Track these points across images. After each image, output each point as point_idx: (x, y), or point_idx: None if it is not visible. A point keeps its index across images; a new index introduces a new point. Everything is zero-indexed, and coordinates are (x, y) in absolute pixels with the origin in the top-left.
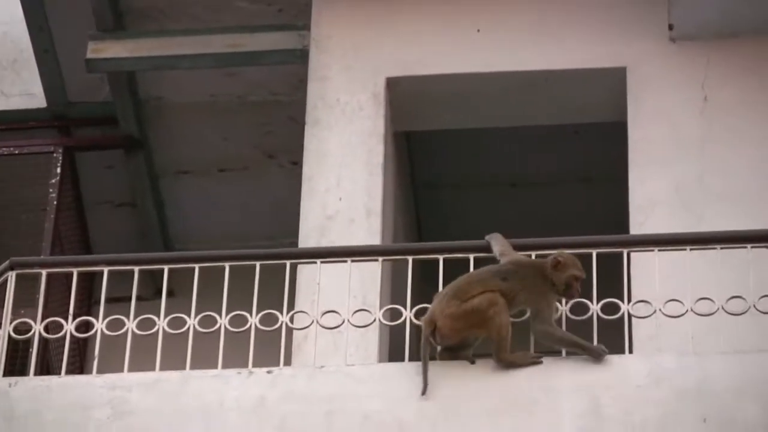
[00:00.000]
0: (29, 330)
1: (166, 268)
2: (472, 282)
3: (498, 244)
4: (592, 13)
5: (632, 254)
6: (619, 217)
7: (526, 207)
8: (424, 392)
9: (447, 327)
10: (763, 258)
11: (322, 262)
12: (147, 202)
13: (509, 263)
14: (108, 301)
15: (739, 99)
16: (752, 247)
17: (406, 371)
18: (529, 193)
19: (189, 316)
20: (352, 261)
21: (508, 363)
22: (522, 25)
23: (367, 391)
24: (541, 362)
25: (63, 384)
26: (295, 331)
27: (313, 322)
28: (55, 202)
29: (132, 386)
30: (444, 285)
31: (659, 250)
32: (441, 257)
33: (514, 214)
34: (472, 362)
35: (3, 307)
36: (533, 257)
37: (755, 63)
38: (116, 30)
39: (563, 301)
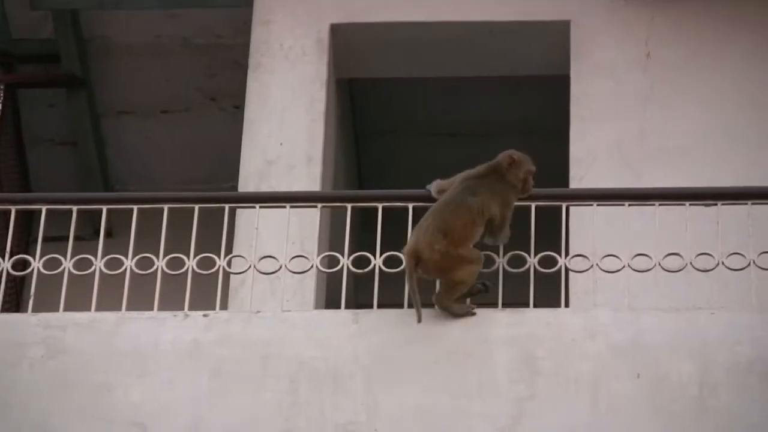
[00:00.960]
0: None
1: (104, 208)
2: (455, 209)
3: (437, 186)
4: None
5: (571, 208)
6: (559, 171)
7: (467, 157)
8: (419, 320)
9: (433, 262)
10: (701, 216)
11: (260, 207)
12: (88, 142)
13: (469, 178)
14: (46, 240)
15: (682, 57)
16: (690, 205)
17: (343, 318)
18: (470, 144)
19: (126, 257)
20: (291, 207)
21: (446, 307)
22: None
23: (302, 338)
24: (474, 313)
25: None
26: (232, 276)
27: (250, 266)
28: None
29: (67, 326)
30: (383, 234)
31: (598, 205)
32: (380, 205)
33: (455, 163)
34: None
35: None
36: None
37: (699, 21)
38: None
39: (500, 253)
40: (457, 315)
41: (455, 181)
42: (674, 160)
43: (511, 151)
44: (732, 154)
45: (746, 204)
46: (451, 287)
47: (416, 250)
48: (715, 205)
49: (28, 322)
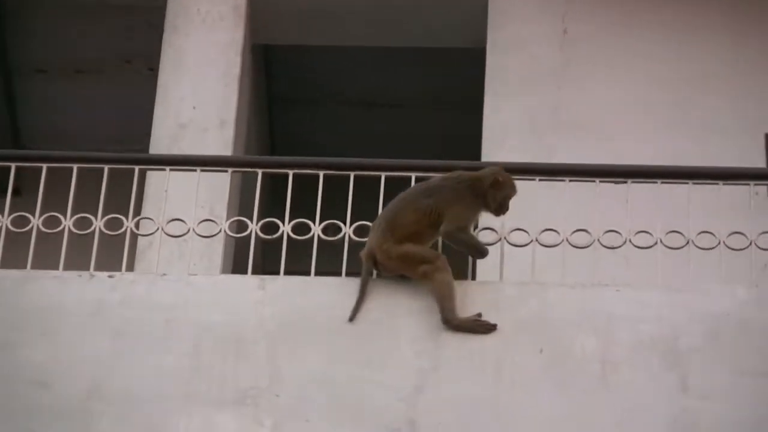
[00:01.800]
0: None
1: (13, 165)
2: (402, 205)
3: None
4: None
5: None
6: (474, 144)
7: (381, 127)
8: (351, 319)
9: (384, 261)
10: (611, 192)
11: (171, 170)
12: None
13: (441, 178)
14: None
15: (598, 34)
16: (600, 182)
17: (249, 284)
18: (385, 114)
19: (34, 215)
20: (202, 171)
21: (456, 326)
22: None
23: (207, 302)
24: (494, 329)
25: None
26: (139, 238)
27: (158, 229)
28: None
29: None
30: (293, 201)
31: None
32: (291, 172)
33: (368, 133)
34: None
35: None
36: (383, 179)
37: (638, 5)
38: None
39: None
40: (472, 332)
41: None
42: (587, 136)
43: (497, 172)
44: (645, 131)
45: (656, 182)
46: (437, 301)
47: (370, 250)
48: (625, 182)
49: None
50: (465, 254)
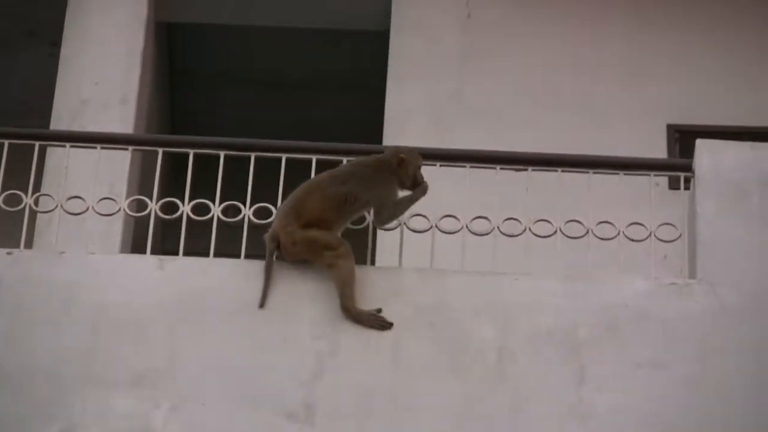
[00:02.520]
0: None
1: None
2: (311, 190)
3: None
4: None
5: None
6: (376, 127)
7: (284, 108)
8: (261, 305)
9: (288, 246)
10: (512, 180)
11: (71, 147)
12: None
13: (349, 165)
14: None
15: (502, 20)
16: (501, 169)
17: (148, 264)
18: (290, 95)
19: None
20: (102, 148)
21: (354, 316)
22: None
23: (106, 281)
24: (390, 327)
25: None
26: (38, 215)
27: (57, 206)
28: None
29: None
30: (193, 180)
31: None
32: (191, 152)
33: (272, 114)
34: None
35: None
36: (284, 160)
37: None
38: None
39: None
40: (368, 326)
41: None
42: (489, 122)
43: (398, 150)
44: (547, 119)
45: (556, 171)
46: (337, 288)
47: (274, 233)
48: (526, 170)
49: None
50: (365, 240)
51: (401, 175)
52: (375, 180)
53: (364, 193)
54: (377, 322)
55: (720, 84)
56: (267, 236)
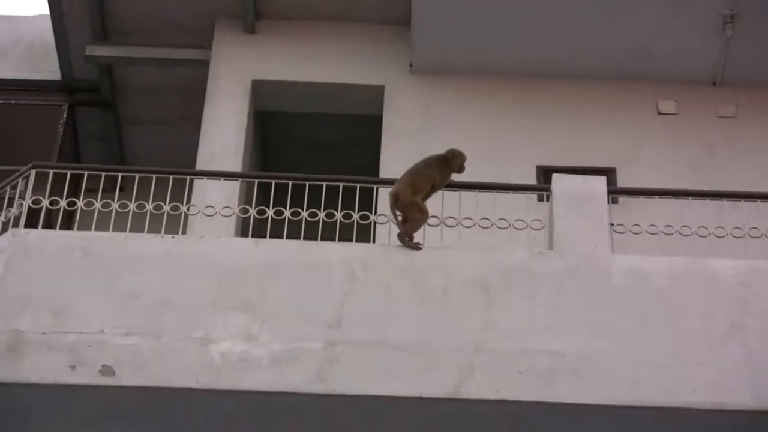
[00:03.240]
0: None
1: None
2: (417, 171)
3: None
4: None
5: None
6: (375, 170)
7: (318, 163)
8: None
9: (402, 201)
10: (457, 197)
11: (207, 179)
12: None
13: (428, 158)
14: None
15: (454, 120)
16: (453, 190)
17: (250, 242)
18: (320, 152)
19: None
20: (224, 179)
21: (404, 243)
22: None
23: (226, 251)
24: (421, 248)
25: None
26: (189, 216)
27: (199, 211)
28: None
29: None
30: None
31: None
32: (273, 181)
33: (316, 164)
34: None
35: None
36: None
37: (465, 93)
38: None
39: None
40: (409, 247)
41: (422, 162)
42: None
43: (453, 150)
44: (469, 164)
45: (474, 191)
46: (409, 226)
47: (396, 192)
48: (457, 191)
49: None
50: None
51: (454, 164)
52: (442, 168)
53: (437, 175)
54: (414, 245)
55: (560, 141)
56: (390, 193)
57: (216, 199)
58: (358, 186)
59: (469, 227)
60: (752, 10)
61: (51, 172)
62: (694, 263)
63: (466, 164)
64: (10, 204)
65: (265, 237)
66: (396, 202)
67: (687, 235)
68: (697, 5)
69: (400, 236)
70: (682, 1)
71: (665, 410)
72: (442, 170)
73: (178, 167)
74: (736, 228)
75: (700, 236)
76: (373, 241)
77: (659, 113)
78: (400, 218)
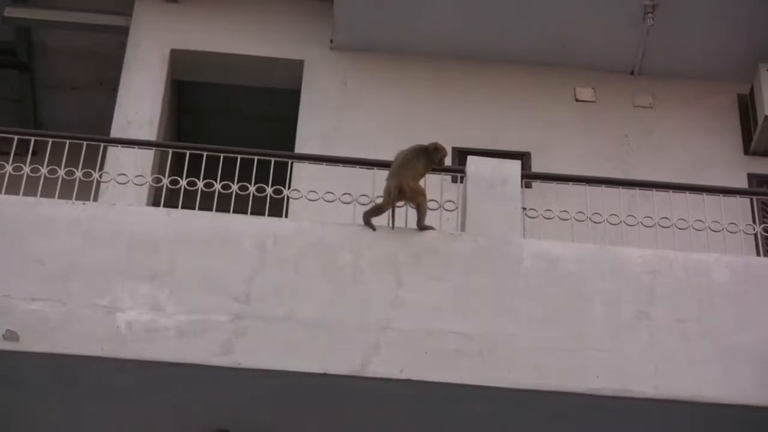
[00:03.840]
0: None
1: None
2: (411, 159)
3: None
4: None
5: None
6: (291, 144)
7: (234, 126)
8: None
9: (406, 191)
10: (365, 175)
11: (122, 146)
12: None
13: (415, 147)
14: None
15: (372, 98)
16: (359, 167)
17: (161, 212)
18: (235, 119)
19: None
20: (138, 147)
21: (422, 227)
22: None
23: (137, 220)
24: (434, 228)
25: None
26: (102, 183)
27: (111, 179)
28: None
29: None
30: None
31: None
32: (188, 152)
33: (231, 133)
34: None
35: None
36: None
37: (385, 72)
38: None
39: None
40: (426, 229)
41: (404, 151)
42: (355, 145)
43: (435, 143)
44: (385, 144)
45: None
46: (421, 211)
47: (400, 185)
48: (372, 169)
49: None
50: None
51: (434, 157)
52: (425, 159)
53: (423, 167)
54: (429, 227)
55: (477, 124)
56: (393, 186)
57: (129, 168)
58: (272, 160)
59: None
60: (673, 0)
61: None
62: (604, 250)
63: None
64: None
65: (177, 207)
66: (400, 193)
67: (598, 223)
68: None
69: (420, 225)
70: None
71: (568, 395)
72: (425, 161)
73: (93, 133)
74: (647, 217)
75: (611, 224)
76: (286, 216)
77: (577, 100)
78: (399, 206)
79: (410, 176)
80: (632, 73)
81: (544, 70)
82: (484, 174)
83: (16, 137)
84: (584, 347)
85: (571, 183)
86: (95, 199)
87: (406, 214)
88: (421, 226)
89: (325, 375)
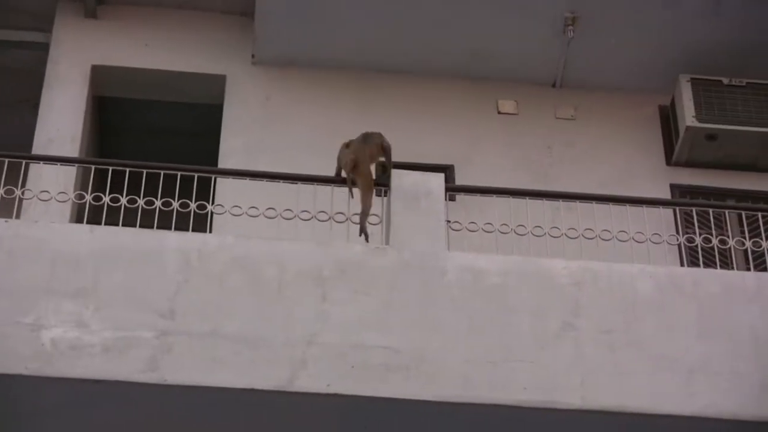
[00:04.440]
0: None
1: None
2: (366, 143)
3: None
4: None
5: None
6: (214, 159)
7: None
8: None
9: (361, 167)
10: (287, 188)
11: (44, 163)
12: None
13: (367, 135)
14: None
15: (295, 112)
16: (282, 182)
17: (84, 228)
18: (154, 135)
19: None
20: (61, 164)
21: (363, 228)
22: None
23: (60, 237)
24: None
25: None
26: (24, 200)
27: (34, 196)
28: None
29: None
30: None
31: None
32: (111, 168)
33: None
34: None
35: None
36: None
37: (307, 86)
38: None
39: None
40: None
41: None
42: (278, 159)
43: (380, 134)
44: (310, 160)
45: (313, 184)
46: (366, 207)
47: (355, 159)
48: (296, 184)
49: None
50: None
51: (376, 141)
52: (372, 141)
53: (375, 146)
54: (365, 232)
55: (400, 137)
56: (348, 161)
57: (52, 184)
58: (196, 175)
59: (307, 220)
60: (593, 13)
61: None
62: (529, 262)
63: (309, 159)
64: None
65: (100, 224)
66: (354, 168)
67: (522, 235)
68: (539, 7)
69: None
70: (524, 2)
71: (496, 407)
72: (374, 143)
73: (15, 151)
74: (571, 229)
75: (536, 236)
76: (210, 232)
77: (499, 113)
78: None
79: (367, 154)
80: (554, 85)
81: (466, 83)
82: (408, 187)
83: None
84: (511, 359)
85: (494, 195)
86: (18, 216)
87: (330, 228)
88: (362, 227)
89: (251, 390)
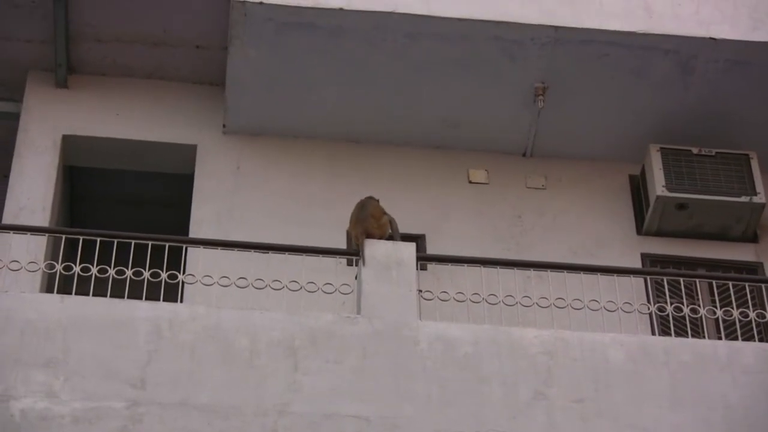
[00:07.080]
0: None
1: None
2: (371, 210)
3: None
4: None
5: None
6: (185, 228)
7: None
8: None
9: (374, 231)
10: (257, 257)
11: (14, 233)
12: None
13: (368, 200)
14: None
15: (265, 181)
16: (253, 252)
17: (55, 298)
18: (129, 207)
19: None
20: (31, 234)
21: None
22: None
23: (31, 306)
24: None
25: None
26: None
27: (4, 266)
28: None
29: None
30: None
31: None
32: (81, 237)
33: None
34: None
35: None
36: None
37: (277, 155)
38: None
39: None
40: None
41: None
42: (248, 228)
43: (376, 200)
44: (277, 227)
45: (267, 253)
46: (395, 236)
47: (366, 229)
48: (267, 253)
49: None
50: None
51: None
52: (371, 202)
53: (374, 206)
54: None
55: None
56: (360, 232)
57: (22, 254)
58: (167, 245)
59: (278, 290)
60: (563, 83)
61: None
62: (500, 331)
63: (281, 228)
64: None
65: (71, 293)
66: (369, 236)
67: (494, 304)
68: (510, 77)
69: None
70: (494, 73)
71: None
72: (373, 204)
73: None
74: (543, 298)
75: (507, 305)
76: (181, 301)
77: (470, 182)
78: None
79: (370, 217)
80: (524, 154)
81: (436, 153)
82: (379, 257)
83: None
84: (482, 428)
85: (466, 264)
86: None
87: (301, 297)
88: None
89: None
